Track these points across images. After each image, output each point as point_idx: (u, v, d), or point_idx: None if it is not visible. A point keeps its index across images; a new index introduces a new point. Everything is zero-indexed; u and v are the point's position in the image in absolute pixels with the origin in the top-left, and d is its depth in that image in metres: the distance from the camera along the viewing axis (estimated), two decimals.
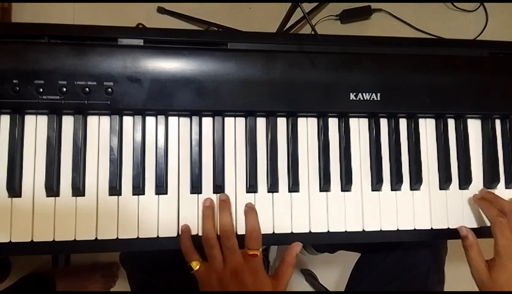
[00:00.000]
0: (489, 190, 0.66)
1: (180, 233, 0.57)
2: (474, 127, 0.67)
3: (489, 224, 0.61)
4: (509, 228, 0.58)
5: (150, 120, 0.59)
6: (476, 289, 0.60)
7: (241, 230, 0.59)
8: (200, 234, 0.58)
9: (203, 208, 0.58)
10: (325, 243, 0.61)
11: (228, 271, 0.54)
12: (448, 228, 0.64)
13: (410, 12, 1.33)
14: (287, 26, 1.15)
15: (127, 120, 0.59)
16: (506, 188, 0.67)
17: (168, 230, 0.58)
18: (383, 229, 0.62)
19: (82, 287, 1.09)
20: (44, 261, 1.12)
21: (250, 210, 0.58)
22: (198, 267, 0.56)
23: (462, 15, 1.37)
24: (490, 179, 0.66)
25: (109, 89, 0.56)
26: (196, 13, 1.22)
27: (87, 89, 0.55)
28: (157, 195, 0.58)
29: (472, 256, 0.59)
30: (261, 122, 0.62)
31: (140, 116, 0.59)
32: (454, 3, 1.35)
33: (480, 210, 0.64)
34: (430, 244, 0.75)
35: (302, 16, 1.19)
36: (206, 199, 0.58)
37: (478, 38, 1.32)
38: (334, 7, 1.29)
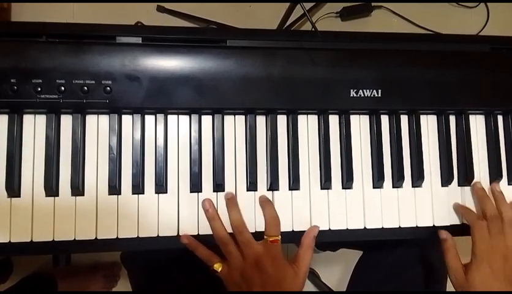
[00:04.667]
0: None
1: (187, 244, 0.57)
2: (476, 123, 0.67)
3: None
4: (487, 231, 0.59)
5: (149, 118, 0.59)
6: None
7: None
8: (202, 232, 0.58)
9: (205, 212, 0.58)
10: (327, 241, 0.60)
11: (248, 264, 0.55)
12: (450, 225, 0.64)
13: (411, 9, 1.32)
14: (287, 24, 1.14)
15: (126, 119, 0.58)
16: (509, 184, 0.66)
17: (168, 229, 0.58)
18: (384, 227, 0.62)
19: (84, 287, 1.09)
20: (45, 261, 1.12)
21: (265, 201, 0.59)
22: (221, 268, 0.57)
23: (462, 11, 1.36)
24: (493, 175, 0.65)
25: (108, 88, 0.55)
26: (196, 11, 1.21)
27: (85, 87, 0.55)
28: (156, 194, 0.58)
29: (449, 257, 0.60)
30: (261, 120, 0.61)
31: (139, 115, 0.58)
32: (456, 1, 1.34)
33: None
34: (433, 241, 0.75)
35: (301, 14, 1.19)
36: (204, 203, 0.58)
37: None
38: (334, 4, 1.29)
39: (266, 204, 0.59)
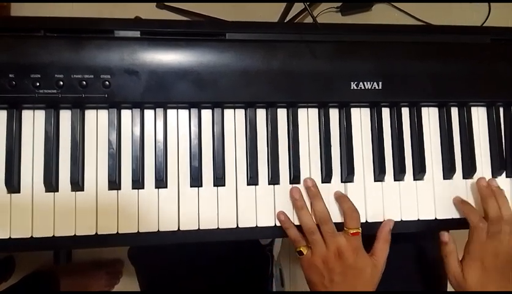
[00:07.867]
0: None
1: (281, 221, 0.59)
2: (477, 115, 0.66)
3: None
4: (486, 234, 0.59)
5: (148, 113, 0.59)
6: None
7: (245, 224, 0.59)
8: (203, 227, 0.58)
9: (293, 201, 0.59)
10: None
11: (331, 253, 0.56)
12: (453, 218, 0.63)
13: (411, 3, 1.31)
14: (287, 19, 1.14)
15: (125, 113, 0.58)
16: (507, 177, 0.65)
17: (169, 224, 0.57)
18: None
19: (86, 284, 1.09)
20: (47, 259, 1.12)
21: (341, 196, 0.60)
22: (306, 251, 0.58)
23: (464, 4, 1.35)
24: (495, 167, 0.65)
25: (107, 82, 0.55)
26: (196, 9, 1.21)
27: (84, 82, 0.54)
28: (156, 189, 0.58)
29: (451, 262, 0.60)
30: (261, 114, 0.61)
31: (138, 109, 0.58)
32: None
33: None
34: (434, 234, 0.74)
35: (301, 10, 1.18)
36: (293, 191, 0.59)
37: None
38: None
39: (343, 199, 0.60)
